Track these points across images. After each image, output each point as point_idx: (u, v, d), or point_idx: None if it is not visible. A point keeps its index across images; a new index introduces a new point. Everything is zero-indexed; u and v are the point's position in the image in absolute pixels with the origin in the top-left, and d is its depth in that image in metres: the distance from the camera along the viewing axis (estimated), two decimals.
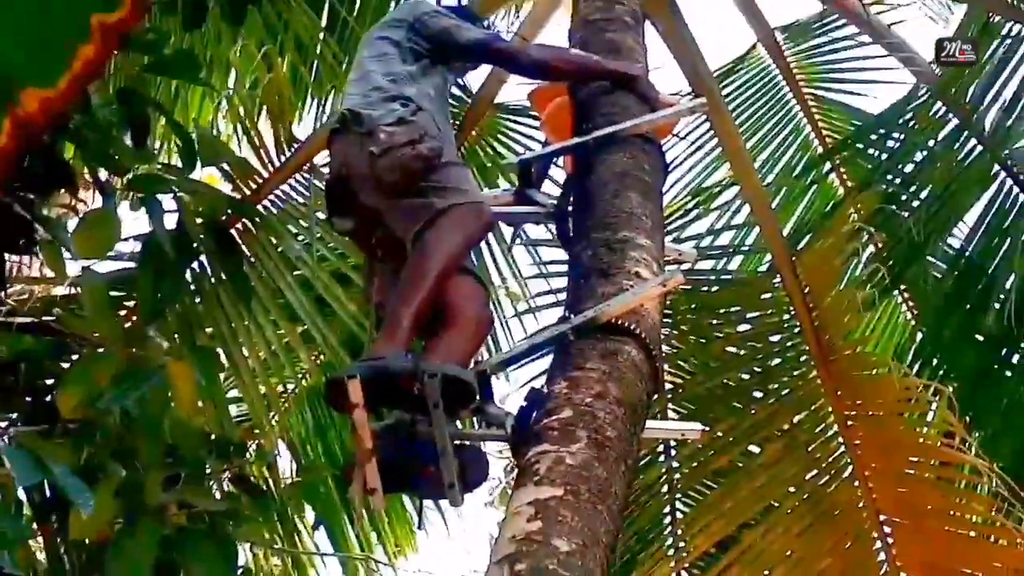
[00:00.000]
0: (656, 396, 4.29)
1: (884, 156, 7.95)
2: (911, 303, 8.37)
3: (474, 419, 4.62)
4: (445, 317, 4.40)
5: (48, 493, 5.18)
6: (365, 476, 4.05)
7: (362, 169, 4.55)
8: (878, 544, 6.59)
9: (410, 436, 4.08)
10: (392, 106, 4.68)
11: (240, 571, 5.51)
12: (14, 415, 5.46)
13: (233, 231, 6.87)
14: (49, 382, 5.75)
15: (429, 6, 5.29)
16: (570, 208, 4.91)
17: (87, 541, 5.22)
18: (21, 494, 5.45)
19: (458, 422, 4.33)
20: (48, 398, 4.93)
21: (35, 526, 5.42)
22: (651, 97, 5.26)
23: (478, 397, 4.07)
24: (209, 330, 7.08)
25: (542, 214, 5.10)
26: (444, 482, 3.96)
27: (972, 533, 6.55)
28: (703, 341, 7.69)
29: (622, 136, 4.89)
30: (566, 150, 5.18)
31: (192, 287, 7.03)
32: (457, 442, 4.03)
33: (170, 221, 4.45)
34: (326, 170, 4.91)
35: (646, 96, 5.23)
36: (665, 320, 4.24)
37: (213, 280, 6.97)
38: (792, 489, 6.93)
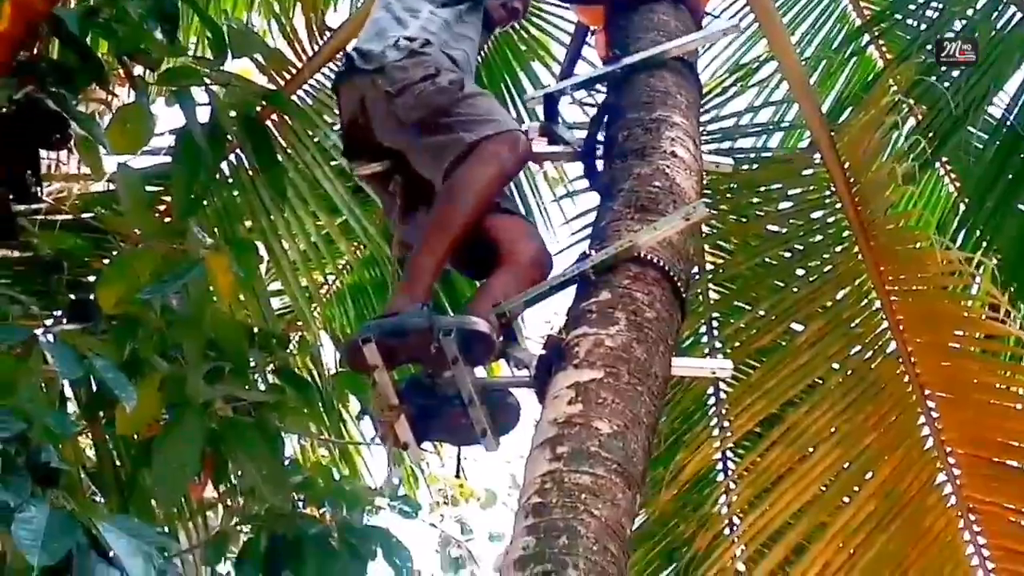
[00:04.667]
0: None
1: (923, 27, 7.83)
2: (952, 175, 8.29)
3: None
4: (498, 257, 4.33)
5: (94, 389, 5.23)
6: (396, 433, 4.05)
7: (380, 110, 4.44)
8: (922, 419, 6.58)
9: (436, 388, 4.03)
10: (400, 40, 4.53)
11: (287, 462, 5.59)
12: (58, 312, 5.51)
13: (268, 123, 6.87)
14: (91, 279, 5.80)
15: None
16: (599, 144, 4.67)
17: (135, 436, 5.28)
18: (68, 391, 5.52)
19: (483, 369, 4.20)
20: (91, 295, 4.96)
21: (83, 422, 5.49)
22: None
23: (501, 340, 3.99)
24: (248, 223, 7.11)
25: (569, 154, 4.83)
26: (476, 431, 3.95)
27: (1018, 405, 6.53)
28: (743, 220, 7.62)
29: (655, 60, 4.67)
30: (592, 81, 4.90)
31: (229, 181, 7.05)
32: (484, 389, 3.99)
33: (203, 114, 4.44)
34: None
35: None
36: (704, 201, 4.16)
37: (250, 173, 6.98)
38: (835, 366, 6.90)
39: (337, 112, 4.86)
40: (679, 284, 3.97)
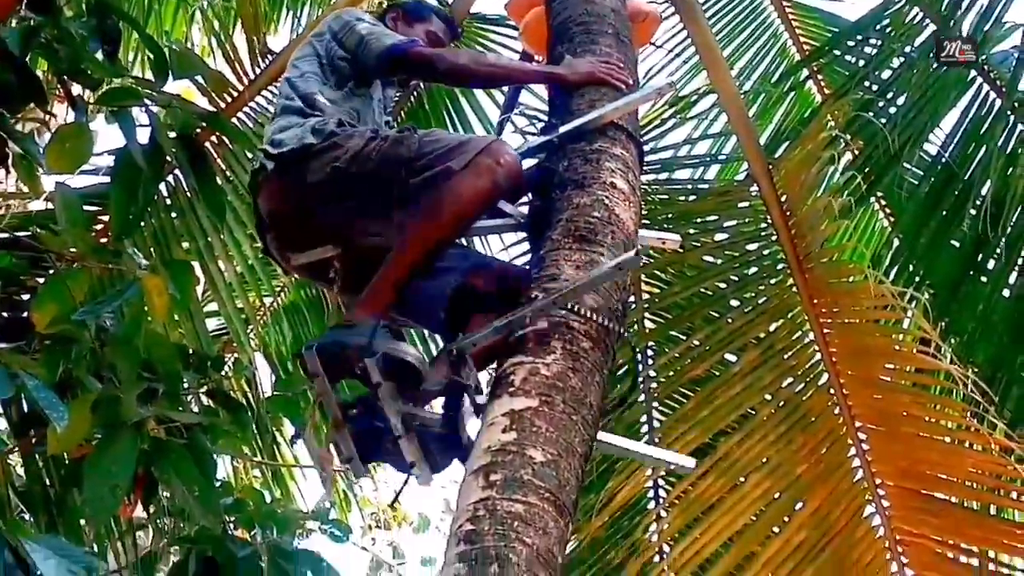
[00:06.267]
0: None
1: (861, 63, 7.91)
2: (888, 210, 8.38)
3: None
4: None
5: (26, 408, 5.20)
6: (340, 447, 4.00)
7: (326, 190, 4.25)
8: (853, 451, 6.63)
9: (375, 409, 3.93)
10: (314, 127, 4.35)
11: (219, 484, 5.56)
12: None
13: (207, 144, 6.84)
14: (25, 297, 5.77)
15: (354, 14, 4.81)
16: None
17: (66, 456, 5.24)
18: None
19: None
20: (24, 314, 4.93)
21: (13, 440, 5.44)
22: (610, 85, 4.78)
23: (453, 374, 3.87)
24: (185, 244, 7.09)
25: (512, 225, 4.58)
26: (405, 461, 3.89)
27: (947, 439, 6.58)
28: (680, 250, 7.67)
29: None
30: (533, 151, 4.66)
31: (167, 202, 7.03)
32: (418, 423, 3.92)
33: (143, 135, 4.41)
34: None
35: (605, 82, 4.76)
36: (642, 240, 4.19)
37: (188, 194, 6.96)
38: (768, 397, 6.94)
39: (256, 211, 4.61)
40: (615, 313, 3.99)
